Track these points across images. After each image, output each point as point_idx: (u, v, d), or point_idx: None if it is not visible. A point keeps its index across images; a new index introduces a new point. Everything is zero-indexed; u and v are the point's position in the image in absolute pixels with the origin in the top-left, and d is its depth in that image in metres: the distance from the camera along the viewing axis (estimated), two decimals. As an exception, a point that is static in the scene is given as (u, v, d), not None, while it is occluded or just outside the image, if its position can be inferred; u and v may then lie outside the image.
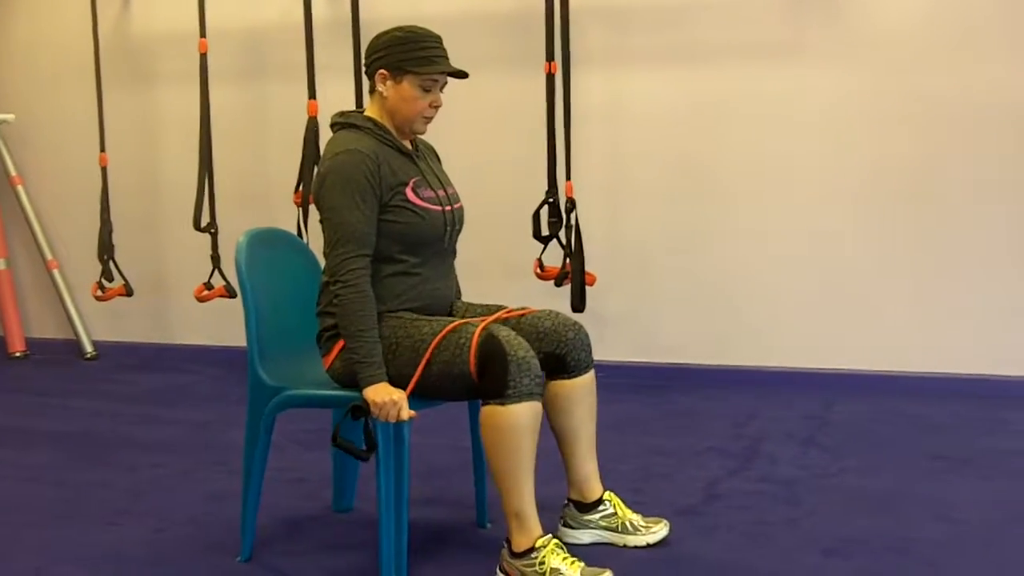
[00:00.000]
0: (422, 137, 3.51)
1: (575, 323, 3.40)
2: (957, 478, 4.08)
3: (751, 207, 5.61)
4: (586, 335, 3.41)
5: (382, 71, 3.27)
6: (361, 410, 3.08)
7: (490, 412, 3.08)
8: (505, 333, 3.10)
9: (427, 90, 3.28)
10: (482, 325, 3.14)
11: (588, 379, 3.41)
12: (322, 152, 3.39)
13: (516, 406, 3.05)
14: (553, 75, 5.37)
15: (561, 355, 3.34)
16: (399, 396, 3.07)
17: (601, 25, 5.72)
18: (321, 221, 3.22)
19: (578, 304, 5.26)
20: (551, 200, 5.39)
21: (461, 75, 3.31)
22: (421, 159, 3.40)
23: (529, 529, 3.12)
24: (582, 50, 5.62)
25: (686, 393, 5.52)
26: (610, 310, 5.80)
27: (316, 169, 5.45)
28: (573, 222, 5.35)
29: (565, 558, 3.09)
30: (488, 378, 3.07)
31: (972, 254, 5.30)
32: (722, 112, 5.60)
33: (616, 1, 5.70)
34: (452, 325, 3.17)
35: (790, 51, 5.47)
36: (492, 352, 3.06)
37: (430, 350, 3.14)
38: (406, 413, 3.07)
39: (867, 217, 5.43)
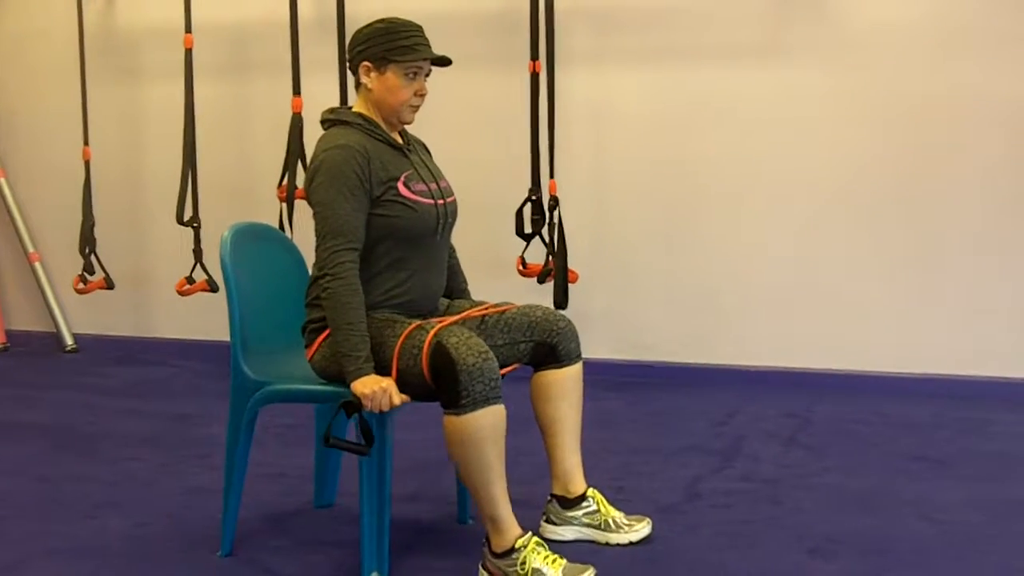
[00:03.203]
0: (412, 132, 3.52)
1: (564, 315, 3.47)
2: (938, 478, 4.10)
3: (734, 206, 5.62)
4: (575, 327, 3.46)
5: (365, 63, 3.28)
6: (352, 405, 3.06)
7: (449, 423, 3.06)
8: (455, 339, 3.06)
9: (411, 78, 3.28)
10: (433, 331, 3.10)
11: (576, 370, 3.45)
12: (310, 149, 3.38)
13: (473, 415, 3.02)
14: (538, 74, 5.37)
15: (553, 344, 3.38)
16: (388, 383, 3.05)
17: (586, 25, 5.72)
18: (314, 217, 3.22)
19: (561, 301, 5.27)
20: (534, 198, 5.39)
21: (444, 62, 3.32)
22: (413, 152, 3.40)
23: (506, 531, 3.12)
24: (567, 49, 5.62)
25: (668, 391, 5.52)
26: (593, 308, 5.80)
27: (302, 165, 5.50)
28: (556, 220, 5.35)
29: (546, 557, 3.10)
30: (441, 388, 3.05)
31: (955, 254, 5.32)
32: (706, 112, 5.61)
33: (601, 1, 5.70)
34: (409, 329, 3.15)
35: (773, 52, 5.48)
36: (442, 361, 3.03)
37: (396, 355, 3.13)
38: (398, 398, 3.06)
39: (850, 217, 5.45)
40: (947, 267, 5.34)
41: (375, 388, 3.03)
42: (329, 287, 3.12)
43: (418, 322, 3.18)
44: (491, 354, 3.06)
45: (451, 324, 3.16)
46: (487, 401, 3.02)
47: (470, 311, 3.37)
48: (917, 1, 5.27)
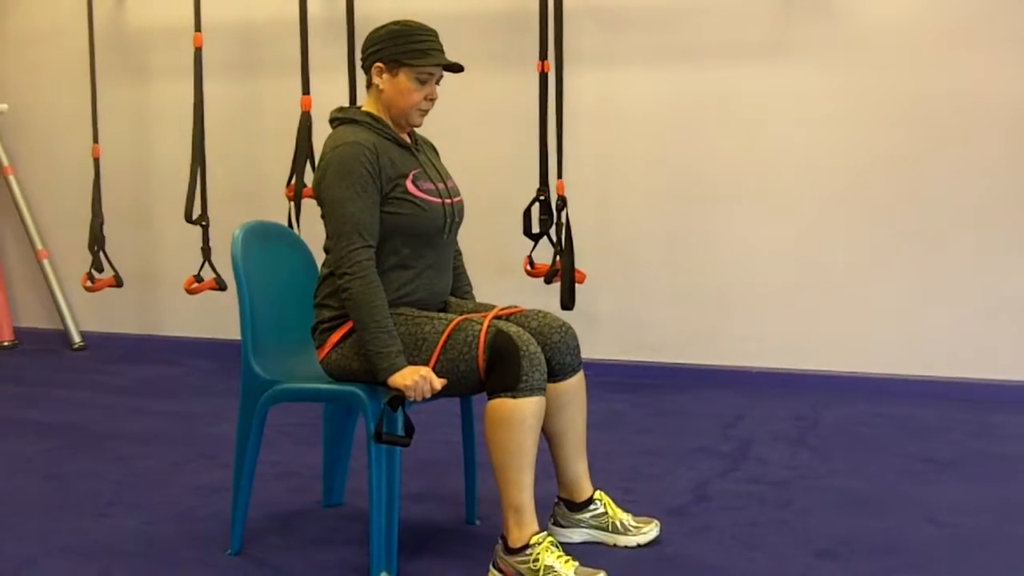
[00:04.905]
0: (421, 132, 3.52)
1: (562, 325, 3.37)
2: (946, 481, 4.09)
3: (741, 207, 5.62)
4: (573, 337, 3.38)
5: (378, 64, 3.29)
6: (398, 399, 3.09)
7: (500, 405, 3.09)
8: (515, 329, 3.13)
9: (423, 83, 3.29)
10: (487, 321, 3.15)
11: (575, 382, 3.40)
12: (318, 148, 3.38)
13: (527, 399, 3.07)
14: (546, 74, 5.37)
15: (546, 358, 3.32)
16: (425, 371, 3.09)
17: (594, 24, 5.73)
18: (323, 216, 3.23)
19: (568, 302, 5.26)
20: (542, 198, 5.39)
21: (456, 68, 3.33)
22: (420, 152, 3.41)
23: (526, 524, 3.12)
24: (575, 49, 5.63)
25: (675, 392, 5.52)
26: (600, 308, 5.81)
27: (310, 164, 5.51)
28: (564, 220, 5.35)
29: (559, 556, 3.10)
30: (499, 373, 3.09)
31: (962, 256, 5.32)
32: (713, 111, 5.61)
33: (609, 1, 5.71)
34: (456, 321, 3.18)
35: (779, 51, 5.48)
36: (503, 347, 3.08)
37: (439, 349, 3.15)
38: (438, 383, 3.10)
39: (857, 218, 5.45)
40: (954, 268, 5.34)
41: (415, 377, 3.07)
42: (350, 287, 3.13)
43: (461, 316, 3.23)
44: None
45: (494, 317, 3.22)
46: (540, 390, 3.10)
47: (493, 312, 3.35)
48: (920, 0, 5.28)
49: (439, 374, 3.14)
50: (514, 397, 3.07)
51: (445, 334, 3.16)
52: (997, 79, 5.20)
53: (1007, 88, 5.19)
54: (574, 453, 3.45)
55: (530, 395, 3.08)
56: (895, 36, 5.32)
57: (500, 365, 3.09)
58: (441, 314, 3.27)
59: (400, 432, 3.13)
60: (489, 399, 3.12)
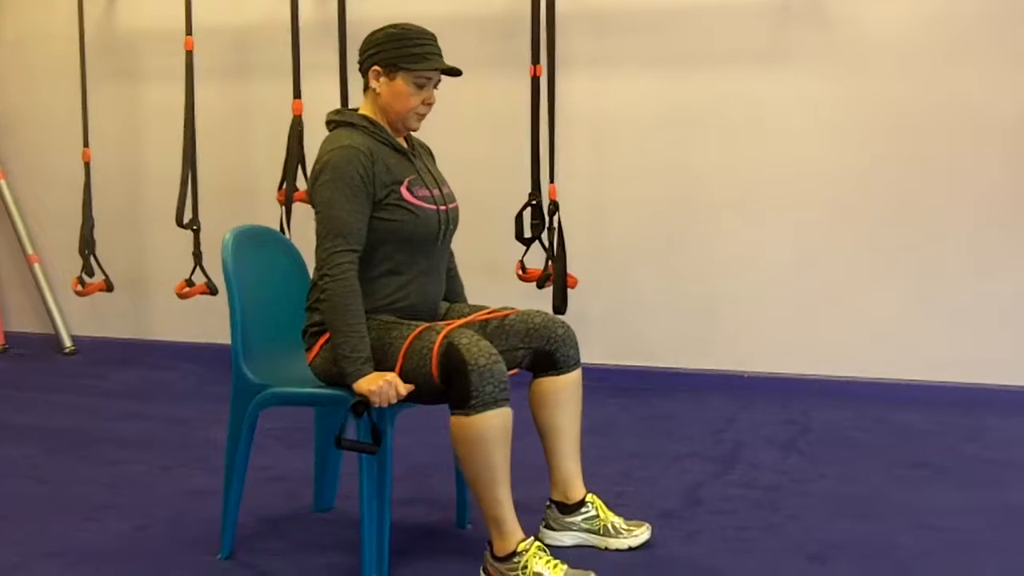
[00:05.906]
0: (417, 136, 3.52)
1: (564, 321, 3.43)
2: (938, 485, 4.10)
3: (733, 212, 5.62)
4: (574, 334, 3.44)
5: (376, 67, 3.28)
6: (362, 404, 3.07)
7: (457, 423, 3.07)
8: (466, 340, 3.07)
9: (420, 87, 3.29)
10: (443, 332, 3.12)
11: (575, 377, 3.43)
12: (314, 150, 3.38)
13: (482, 415, 3.03)
14: (538, 78, 5.36)
15: (551, 351, 3.36)
16: (391, 376, 3.07)
17: (587, 29, 5.72)
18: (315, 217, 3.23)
19: (560, 306, 5.26)
20: (534, 202, 5.38)
21: (454, 72, 3.33)
22: (417, 158, 3.41)
23: (509, 534, 3.12)
24: (568, 54, 5.62)
25: (667, 397, 5.52)
26: (592, 313, 5.80)
27: (301, 168, 5.50)
28: (556, 224, 5.35)
29: (548, 561, 3.09)
30: (453, 389, 3.06)
31: (955, 262, 5.32)
32: (706, 118, 5.61)
33: (602, 5, 5.71)
34: (417, 330, 3.16)
35: (775, 58, 5.48)
36: (453, 362, 3.05)
37: (401, 355, 3.14)
38: (403, 388, 3.08)
39: (850, 224, 5.45)
40: (945, 274, 5.34)
41: (380, 382, 3.05)
42: (328, 288, 3.13)
43: (426, 324, 3.20)
44: (500, 356, 3.09)
45: (460, 326, 3.18)
46: (496, 403, 3.04)
47: (475, 315, 3.37)
48: (918, 11, 5.28)
49: (405, 381, 3.13)
50: (467, 415, 3.04)
51: (407, 341, 3.15)
52: (995, 89, 5.19)
53: (1005, 98, 5.18)
54: (568, 451, 3.45)
55: (484, 410, 3.03)
56: (893, 45, 5.31)
57: (453, 381, 3.06)
58: (413, 321, 3.26)
59: (367, 438, 3.12)
60: (450, 416, 3.10)
